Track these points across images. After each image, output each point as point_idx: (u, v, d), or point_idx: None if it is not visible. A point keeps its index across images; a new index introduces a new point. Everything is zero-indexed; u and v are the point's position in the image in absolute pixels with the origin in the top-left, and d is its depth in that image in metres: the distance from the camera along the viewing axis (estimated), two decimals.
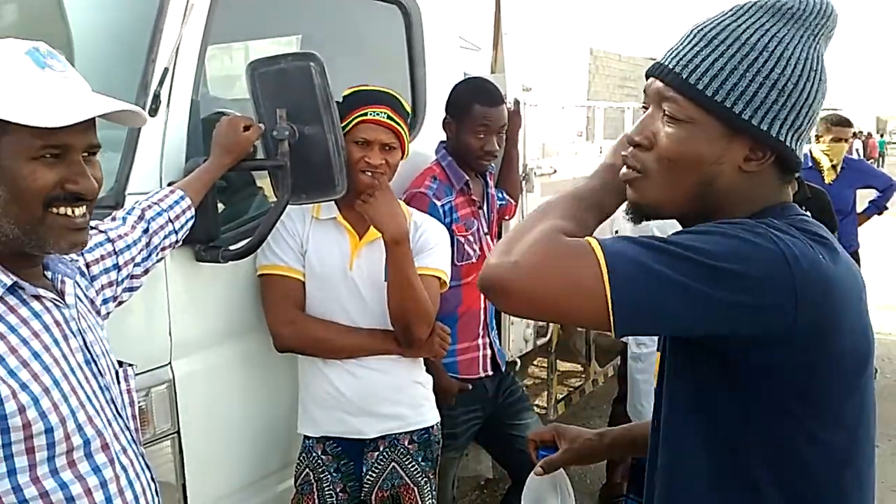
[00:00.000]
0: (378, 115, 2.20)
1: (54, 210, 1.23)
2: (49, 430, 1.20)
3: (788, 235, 1.03)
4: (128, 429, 1.40)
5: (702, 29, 1.12)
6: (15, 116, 1.16)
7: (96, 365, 1.34)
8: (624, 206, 1.23)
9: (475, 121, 2.77)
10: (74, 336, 1.31)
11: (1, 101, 1.17)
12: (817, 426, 1.08)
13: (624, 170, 1.19)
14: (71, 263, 1.42)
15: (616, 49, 14.39)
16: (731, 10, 1.13)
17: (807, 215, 1.16)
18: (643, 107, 1.20)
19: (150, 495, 1.40)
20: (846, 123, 5.27)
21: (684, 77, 1.10)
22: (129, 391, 1.43)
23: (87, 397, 1.29)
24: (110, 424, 1.33)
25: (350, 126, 2.19)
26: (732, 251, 0.99)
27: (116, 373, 1.41)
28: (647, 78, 1.17)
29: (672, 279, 0.97)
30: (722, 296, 0.98)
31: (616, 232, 3.76)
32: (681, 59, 1.11)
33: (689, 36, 1.13)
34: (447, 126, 2.84)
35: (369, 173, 2.19)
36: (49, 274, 1.35)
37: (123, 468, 1.33)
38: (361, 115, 2.19)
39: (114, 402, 1.37)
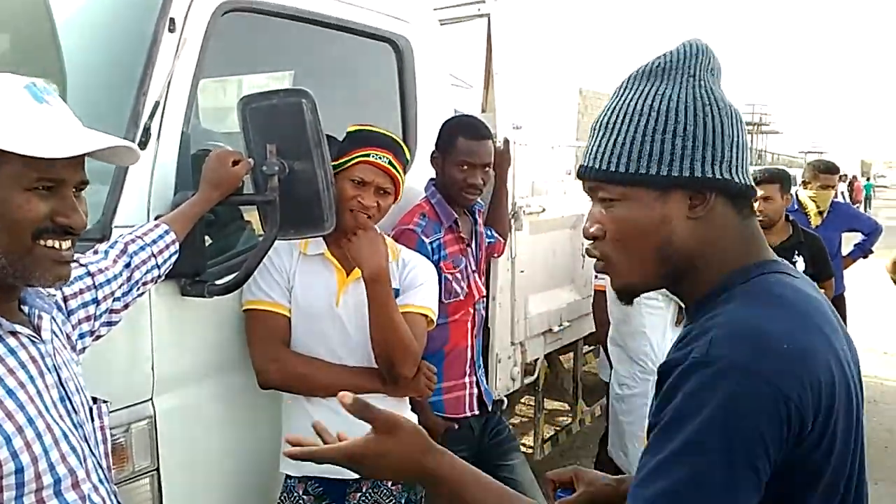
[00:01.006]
0: (380, 158, 2.21)
1: (42, 242, 1.24)
2: (19, 471, 1.18)
3: (750, 327, 1.03)
4: (100, 466, 1.38)
5: (598, 121, 1.20)
6: (15, 147, 1.18)
7: (71, 402, 1.33)
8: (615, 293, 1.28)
9: (459, 154, 2.79)
10: (50, 372, 1.30)
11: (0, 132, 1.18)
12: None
13: (595, 262, 1.24)
14: (48, 298, 1.42)
15: (605, 89, 14.53)
16: (614, 92, 1.20)
17: (777, 270, 1.16)
18: None
19: None
20: (834, 170, 5.33)
21: (598, 167, 1.16)
22: (102, 428, 1.42)
23: (63, 434, 1.27)
24: (84, 462, 1.31)
25: (350, 164, 2.20)
26: (725, 423, 0.99)
27: (90, 409, 1.40)
28: (580, 181, 1.24)
29: (720, 499, 0.99)
30: (753, 464, 0.99)
31: (596, 276, 3.76)
32: (592, 154, 1.18)
33: (591, 133, 1.21)
34: (434, 161, 2.86)
35: (358, 213, 2.18)
36: (26, 308, 1.34)
37: None
38: (363, 156, 2.20)
39: (87, 440, 1.35)
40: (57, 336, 1.39)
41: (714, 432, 0.99)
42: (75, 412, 1.33)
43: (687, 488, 0.99)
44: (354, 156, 2.20)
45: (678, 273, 1.17)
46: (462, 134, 2.82)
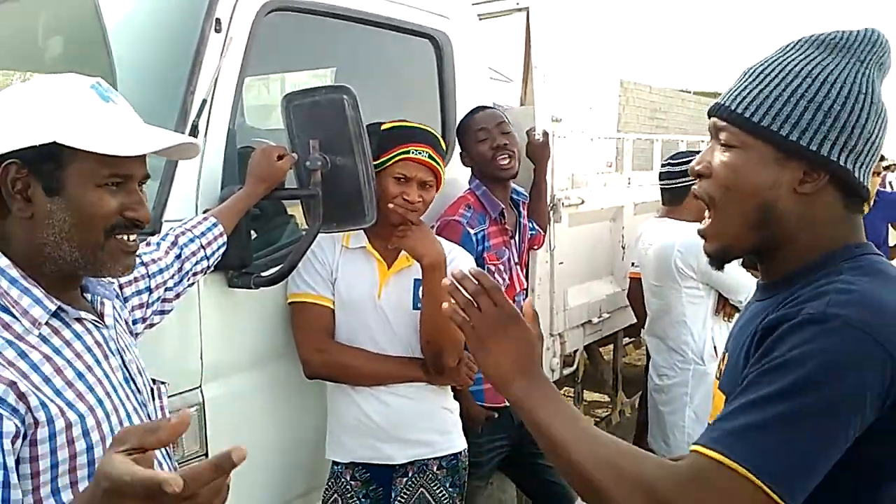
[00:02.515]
0: (420, 153, 2.25)
1: (113, 236, 1.29)
2: (90, 448, 1.23)
3: (862, 294, 1.05)
4: None
5: (752, 68, 1.20)
6: (90, 146, 1.23)
7: (134, 383, 1.39)
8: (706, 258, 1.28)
9: (472, 129, 2.86)
10: (113, 355, 1.36)
11: (72, 131, 1.23)
12: None
13: (703, 223, 1.25)
14: (108, 285, 1.48)
15: (647, 80, 14.40)
16: (779, 48, 1.20)
17: (878, 253, 1.18)
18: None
19: None
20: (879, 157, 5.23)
21: (733, 108, 1.17)
22: (163, 408, 1.48)
23: (127, 414, 1.33)
24: None
25: (391, 161, 2.24)
26: (835, 373, 1.00)
27: (151, 390, 1.46)
28: (709, 118, 1.24)
29: (814, 449, 1.00)
30: (850, 421, 1.01)
31: (633, 264, 3.76)
32: (732, 95, 1.19)
33: (740, 77, 1.21)
34: (463, 158, 2.92)
35: (406, 210, 2.23)
36: (88, 296, 1.40)
37: None
38: (404, 153, 2.24)
39: (150, 419, 1.41)
40: (118, 321, 1.45)
41: (818, 381, 1.00)
42: (139, 392, 1.40)
43: (778, 426, 1.00)
44: (395, 153, 2.24)
45: (772, 243, 1.18)
46: (469, 115, 2.90)
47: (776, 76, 1.15)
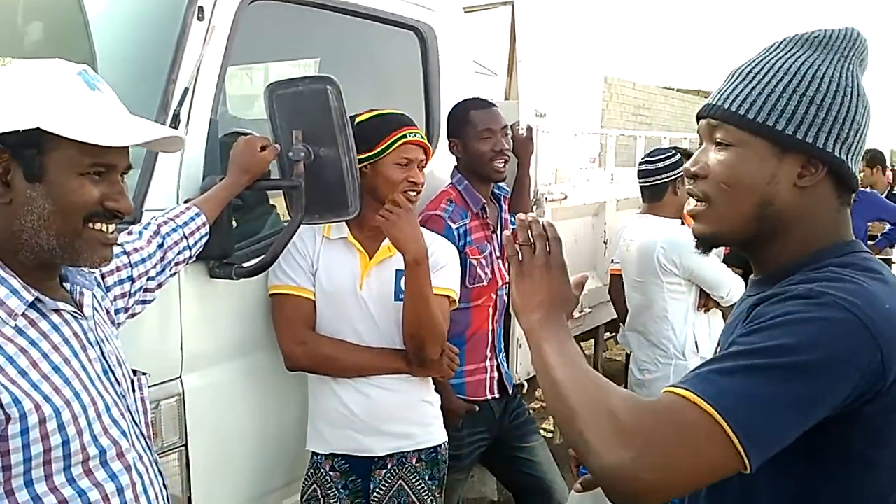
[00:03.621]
0: (416, 135, 2.29)
1: (91, 225, 1.28)
2: (66, 443, 1.22)
3: (853, 284, 1.07)
4: (142, 436, 1.43)
5: (739, 68, 1.21)
6: (74, 134, 1.21)
7: (113, 375, 1.38)
8: (692, 238, 1.29)
9: (477, 126, 2.83)
10: (92, 346, 1.34)
11: (56, 117, 1.21)
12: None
13: (691, 204, 1.26)
14: (89, 275, 1.46)
15: (631, 77, 14.44)
16: (764, 48, 1.22)
17: (866, 250, 1.20)
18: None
19: (162, 501, 1.43)
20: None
21: (727, 107, 1.18)
22: (143, 399, 1.47)
23: (106, 407, 1.32)
24: (127, 432, 1.36)
25: (393, 147, 2.25)
26: (813, 339, 1.02)
27: (132, 381, 1.44)
28: (698, 121, 1.25)
29: (780, 399, 1.00)
30: (822, 389, 1.02)
31: (612, 261, 3.78)
32: (724, 95, 1.20)
33: (728, 77, 1.22)
34: (453, 146, 2.89)
35: (413, 192, 2.27)
36: (67, 286, 1.38)
37: (139, 475, 1.36)
38: (403, 137, 2.27)
39: (129, 411, 1.40)
40: (97, 311, 1.44)
41: (796, 345, 1.01)
42: (118, 384, 1.39)
43: (747, 375, 1.01)
44: (395, 138, 2.26)
45: (767, 236, 1.19)
46: (473, 108, 2.87)
47: (766, 74, 1.17)
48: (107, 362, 1.37)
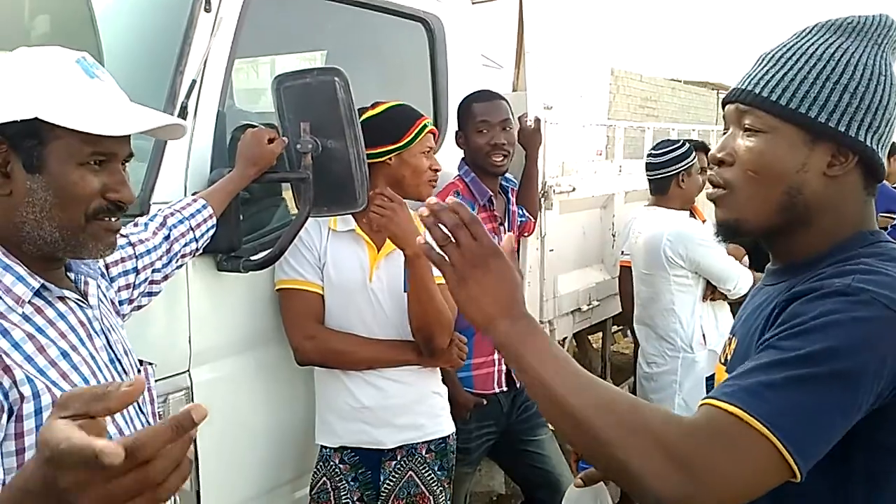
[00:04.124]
0: (431, 124, 2.36)
1: (96, 219, 1.26)
2: None
3: (888, 277, 1.05)
4: (149, 425, 1.42)
5: (769, 53, 1.19)
6: (73, 123, 1.19)
7: (120, 364, 1.37)
8: (712, 226, 1.25)
9: (475, 118, 2.84)
10: (98, 336, 1.33)
11: (55, 107, 1.20)
12: None
13: (710, 189, 1.23)
14: (93, 264, 1.45)
15: (637, 69, 14.38)
16: (794, 33, 1.19)
17: (890, 240, 1.18)
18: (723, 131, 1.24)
19: None
20: None
21: (758, 93, 1.15)
22: (149, 389, 1.45)
23: None
24: (131, 422, 1.35)
25: (420, 136, 2.31)
26: (858, 342, 1.00)
27: (138, 371, 1.44)
28: (724, 107, 1.22)
29: (829, 409, 0.99)
30: (867, 391, 1.00)
31: (623, 252, 3.76)
32: (754, 79, 1.17)
33: (758, 62, 1.19)
34: (458, 138, 2.90)
35: (436, 179, 2.36)
36: (72, 275, 1.37)
37: None
38: (426, 126, 2.33)
39: (138, 402, 1.39)
40: (102, 301, 1.43)
41: (840, 349, 0.99)
42: (126, 373, 1.38)
43: (796, 388, 0.98)
44: (419, 128, 2.31)
45: (793, 225, 1.17)
46: (475, 101, 2.88)
47: (799, 59, 1.14)
48: (113, 352, 1.36)
